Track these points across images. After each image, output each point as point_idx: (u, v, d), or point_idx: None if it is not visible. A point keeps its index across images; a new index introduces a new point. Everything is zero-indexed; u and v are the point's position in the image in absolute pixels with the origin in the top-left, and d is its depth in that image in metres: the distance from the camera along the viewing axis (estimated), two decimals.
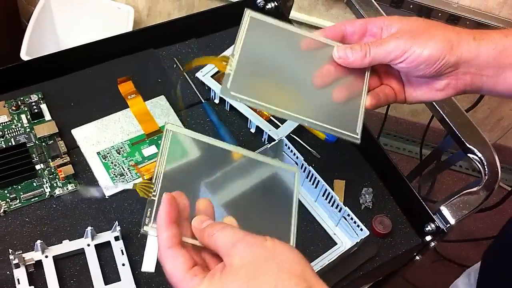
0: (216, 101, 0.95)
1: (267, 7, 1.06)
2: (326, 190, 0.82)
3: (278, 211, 0.72)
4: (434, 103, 0.93)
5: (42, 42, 1.66)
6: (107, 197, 0.83)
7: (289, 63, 0.72)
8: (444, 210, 0.83)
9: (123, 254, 0.78)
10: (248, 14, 0.72)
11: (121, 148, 0.87)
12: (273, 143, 0.85)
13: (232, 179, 0.86)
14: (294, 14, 1.49)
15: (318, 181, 0.83)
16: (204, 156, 0.71)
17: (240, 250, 0.53)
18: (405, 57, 0.67)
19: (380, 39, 0.70)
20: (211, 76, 0.94)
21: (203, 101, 0.95)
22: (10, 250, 0.73)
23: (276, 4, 1.05)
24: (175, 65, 0.98)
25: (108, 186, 0.83)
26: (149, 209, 0.58)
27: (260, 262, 0.52)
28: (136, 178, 0.85)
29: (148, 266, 0.79)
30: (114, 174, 0.85)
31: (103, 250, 0.79)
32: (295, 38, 0.73)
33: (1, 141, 0.85)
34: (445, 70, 0.67)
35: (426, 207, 0.85)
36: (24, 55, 1.56)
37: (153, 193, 0.58)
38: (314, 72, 0.72)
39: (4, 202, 0.80)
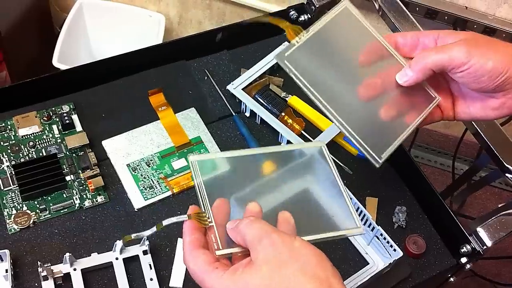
0: (247, 114, 0.94)
1: (300, 19, 1.04)
2: (358, 208, 0.81)
3: (326, 199, 0.71)
4: None
5: (74, 49, 1.67)
6: (136, 210, 0.83)
7: (352, 64, 0.71)
8: (481, 231, 0.80)
9: (151, 268, 0.77)
10: (344, 3, 0.72)
11: (151, 160, 0.87)
12: (304, 158, 0.83)
13: (263, 192, 0.84)
14: None
15: (351, 198, 0.81)
16: (235, 169, 0.69)
17: (265, 245, 0.52)
18: (469, 65, 0.64)
19: (441, 46, 0.67)
20: (242, 89, 0.93)
21: (234, 114, 0.94)
22: (39, 263, 0.73)
23: (310, 16, 1.04)
24: (206, 77, 0.97)
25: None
26: (212, 235, 0.58)
27: (284, 261, 0.51)
28: (165, 191, 0.84)
29: (176, 281, 0.78)
30: (143, 187, 0.84)
31: (131, 264, 0.78)
32: (372, 41, 0.72)
33: (32, 151, 0.85)
34: (506, 85, 0.65)
35: (462, 228, 0.83)
36: (56, 62, 1.57)
37: (209, 220, 0.58)
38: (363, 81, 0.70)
39: (34, 213, 0.80)
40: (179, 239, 0.81)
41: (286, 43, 0.99)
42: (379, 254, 0.82)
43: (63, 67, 1.56)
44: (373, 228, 0.79)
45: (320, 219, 0.68)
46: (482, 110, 0.70)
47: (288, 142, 0.89)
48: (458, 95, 0.72)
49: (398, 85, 0.71)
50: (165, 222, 0.61)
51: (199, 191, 0.62)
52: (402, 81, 0.69)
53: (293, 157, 0.75)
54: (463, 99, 0.72)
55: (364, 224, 0.81)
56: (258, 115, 0.92)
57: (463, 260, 0.83)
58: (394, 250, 0.78)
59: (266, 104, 0.92)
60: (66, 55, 1.59)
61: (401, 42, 0.71)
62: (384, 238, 0.78)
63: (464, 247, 0.82)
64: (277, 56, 0.68)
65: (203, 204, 0.60)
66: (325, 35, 0.70)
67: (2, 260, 0.75)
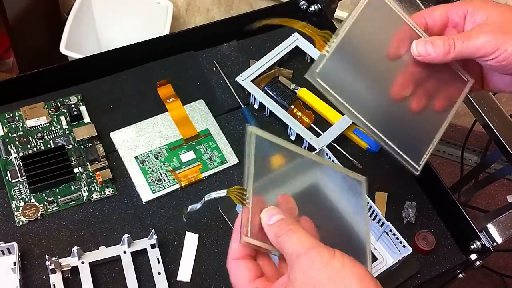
0: (256, 106, 0.93)
1: (310, 9, 1.03)
2: (367, 203, 0.80)
3: (349, 222, 0.68)
4: (478, 108, 0.89)
5: (81, 36, 1.66)
6: (144, 203, 0.82)
7: (384, 60, 0.66)
8: (491, 228, 0.79)
9: (159, 262, 0.77)
10: None
11: (159, 153, 0.86)
12: (314, 152, 0.83)
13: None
14: (336, 12, 1.45)
15: (361, 193, 0.80)
16: (287, 165, 0.67)
17: (303, 265, 0.50)
18: (496, 54, 0.61)
19: (466, 33, 0.63)
20: (251, 81, 0.92)
21: (243, 106, 0.93)
22: (47, 256, 0.73)
23: (320, 6, 1.02)
24: (214, 68, 0.96)
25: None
26: (244, 217, 0.54)
27: (324, 283, 0.49)
28: (174, 184, 0.84)
29: (184, 275, 0.78)
30: (151, 180, 0.84)
31: (139, 257, 0.78)
32: (401, 27, 0.66)
33: (40, 143, 0.84)
34: None
35: (472, 224, 0.82)
36: (64, 49, 1.56)
37: (247, 201, 0.55)
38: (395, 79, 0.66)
39: (42, 205, 0.80)
40: (187, 233, 0.81)
41: (296, 34, 0.97)
42: (388, 250, 0.81)
43: (70, 54, 1.55)
44: (383, 223, 0.79)
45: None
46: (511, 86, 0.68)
47: (298, 135, 0.88)
48: (486, 70, 0.69)
49: (429, 71, 0.67)
50: (207, 197, 0.59)
51: (247, 167, 0.58)
52: (417, 53, 0.64)
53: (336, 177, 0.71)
54: (492, 74, 0.69)
55: (374, 219, 0.80)
56: (267, 108, 0.91)
57: (473, 256, 0.83)
58: (404, 246, 0.77)
59: (275, 96, 0.91)
60: (73, 42, 1.59)
61: (431, 23, 0.66)
62: (394, 234, 0.78)
63: (474, 244, 0.82)
64: (309, 74, 0.63)
65: (247, 181, 0.57)
66: (355, 34, 0.65)
67: (10, 253, 0.75)
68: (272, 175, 0.62)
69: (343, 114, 0.91)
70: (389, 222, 0.78)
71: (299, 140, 0.89)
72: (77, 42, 1.61)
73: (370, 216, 0.81)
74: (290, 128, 0.89)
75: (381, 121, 0.67)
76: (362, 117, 0.66)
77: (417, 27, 0.66)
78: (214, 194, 0.61)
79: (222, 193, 0.58)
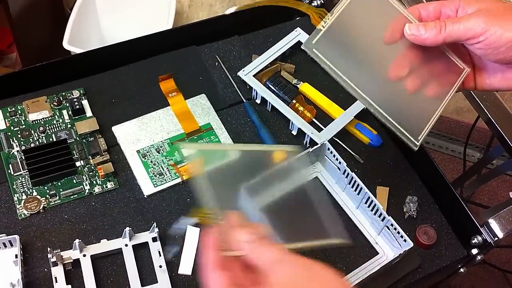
0: (258, 101, 0.93)
1: (313, 4, 1.03)
2: (369, 197, 0.80)
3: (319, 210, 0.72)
4: (480, 104, 0.89)
5: (85, 31, 1.66)
6: (145, 197, 0.83)
7: (378, 42, 0.70)
8: (493, 223, 0.79)
9: (160, 255, 0.77)
10: None
11: (160, 147, 0.86)
12: (315, 147, 0.83)
13: (272, 183, 0.84)
14: None
15: (361, 188, 0.81)
16: (244, 159, 0.70)
17: (283, 268, 0.52)
18: (485, 36, 0.63)
19: (457, 17, 0.66)
20: (253, 75, 0.92)
21: (244, 100, 0.93)
22: (49, 249, 0.73)
23: (322, 1, 1.02)
24: (216, 63, 0.96)
25: None
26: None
27: (303, 282, 0.51)
28: (175, 178, 0.84)
29: (185, 268, 0.78)
30: (153, 174, 0.84)
31: (140, 250, 0.78)
32: (395, 16, 0.70)
33: (43, 136, 0.85)
34: None
35: (473, 219, 0.82)
36: (67, 44, 1.56)
37: (219, 218, 0.57)
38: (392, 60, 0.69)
39: (44, 198, 0.80)
40: (189, 227, 0.81)
41: (298, 29, 0.97)
42: (389, 245, 0.81)
43: (73, 49, 1.55)
44: (384, 218, 0.79)
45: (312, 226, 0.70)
46: (503, 81, 0.69)
47: (299, 130, 0.89)
48: (479, 65, 0.71)
49: (425, 58, 0.69)
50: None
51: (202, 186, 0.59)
52: (410, 33, 0.67)
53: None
54: (484, 69, 0.71)
55: (375, 214, 0.80)
56: (269, 102, 0.91)
57: (474, 251, 0.83)
58: (405, 240, 0.77)
59: (277, 91, 0.92)
60: (76, 37, 1.58)
61: (424, 14, 0.69)
62: (395, 229, 0.78)
63: (475, 238, 0.82)
64: (305, 45, 0.68)
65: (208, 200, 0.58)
66: (350, 15, 0.69)
67: (12, 246, 0.75)
68: (226, 169, 0.66)
69: (344, 109, 0.91)
70: (390, 217, 0.78)
71: (300, 134, 0.89)
72: (80, 37, 1.61)
73: (372, 210, 0.81)
74: (292, 122, 0.89)
75: (378, 96, 0.70)
76: (360, 90, 0.69)
77: (411, 15, 0.69)
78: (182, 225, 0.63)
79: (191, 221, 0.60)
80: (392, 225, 0.78)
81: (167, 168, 0.85)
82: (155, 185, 0.83)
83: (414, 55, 0.69)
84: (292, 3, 0.81)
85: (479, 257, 0.83)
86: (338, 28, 0.69)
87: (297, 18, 1.03)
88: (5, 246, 0.75)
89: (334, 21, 0.68)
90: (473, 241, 0.82)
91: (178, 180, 0.84)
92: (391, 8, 0.70)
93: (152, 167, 0.84)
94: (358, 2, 0.70)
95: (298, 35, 0.97)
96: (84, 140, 0.85)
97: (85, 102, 0.88)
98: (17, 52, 1.67)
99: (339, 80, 0.69)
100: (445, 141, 1.97)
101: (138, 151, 0.85)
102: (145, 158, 0.85)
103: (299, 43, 0.97)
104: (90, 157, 0.84)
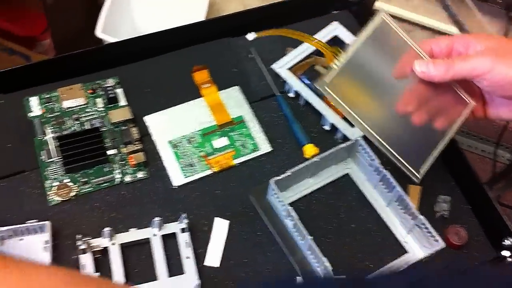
0: (291, 94, 0.92)
1: None
2: (400, 196, 0.79)
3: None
4: None
5: (117, 20, 1.67)
6: (175, 187, 0.83)
7: (388, 77, 0.74)
8: None
9: (188, 246, 0.77)
10: (381, 16, 0.75)
11: (192, 138, 0.86)
12: (348, 143, 0.82)
13: (301, 178, 0.84)
14: (377, 4, 1.43)
15: (394, 186, 0.80)
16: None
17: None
18: (491, 75, 0.66)
19: (465, 55, 0.70)
20: (287, 69, 0.92)
21: (277, 94, 0.92)
22: (78, 236, 0.74)
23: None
24: (250, 55, 0.96)
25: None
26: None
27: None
28: (205, 170, 0.84)
29: (212, 260, 0.78)
30: (183, 164, 0.84)
31: (169, 241, 0.78)
32: (407, 51, 0.75)
33: (76, 124, 0.85)
34: None
35: (505, 221, 0.80)
36: (100, 32, 1.57)
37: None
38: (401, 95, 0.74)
39: (76, 186, 0.80)
40: (216, 219, 0.81)
41: (335, 22, 0.97)
42: (418, 244, 0.80)
43: (106, 37, 1.56)
44: (415, 217, 0.78)
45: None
46: (510, 112, 0.74)
47: (332, 125, 0.88)
48: (487, 98, 0.75)
49: (433, 92, 0.73)
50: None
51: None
52: (420, 71, 0.71)
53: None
54: (492, 101, 0.75)
55: (406, 212, 0.79)
56: (302, 96, 0.90)
57: (504, 253, 0.82)
58: (436, 240, 0.76)
59: (311, 85, 0.91)
60: (109, 26, 1.59)
61: (436, 50, 0.73)
62: (426, 228, 0.77)
63: (506, 240, 0.80)
64: (319, 84, 0.71)
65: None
66: (364, 52, 0.73)
67: (42, 231, 0.76)
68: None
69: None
70: (422, 216, 0.77)
71: (333, 130, 0.88)
72: (113, 26, 1.61)
73: (403, 209, 0.80)
74: (325, 117, 0.88)
75: (384, 130, 0.74)
76: (366, 125, 0.73)
77: (422, 51, 0.74)
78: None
79: None
80: (423, 224, 0.77)
81: (198, 159, 0.85)
82: (185, 176, 0.83)
83: (423, 89, 0.73)
84: (300, 35, 0.87)
85: (510, 259, 0.81)
86: (351, 66, 0.73)
87: (334, 12, 1.02)
88: (36, 232, 0.76)
89: (348, 60, 0.72)
90: (505, 243, 0.80)
91: (209, 172, 0.84)
92: (403, 43, 0.75)
93: (183, 158, 0.84)
94: (372, 40, 0.74)
95: (334, 29, 0.96)
96: (117, 129, 0.85)
97: (119, 91, 0.89)
98: (51, 38, 1.69)
99: (347, 115, 0.73)
100: (475, 141, 1.94)
101: (169, 142, 0.86)
102: (176, 149, 0.85)
103: (335, 37, 0.96)
104: (122, 146, 0.84)
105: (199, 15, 1.66)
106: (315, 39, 0.92)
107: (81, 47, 0.90)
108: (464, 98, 0.76)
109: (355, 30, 0.97)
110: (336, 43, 0.96)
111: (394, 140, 0.74)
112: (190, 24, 0.96)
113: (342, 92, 0.72)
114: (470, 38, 0.71)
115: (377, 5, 1.08)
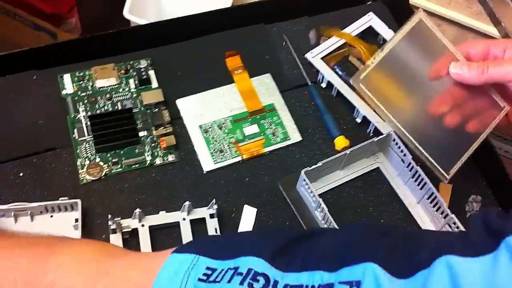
0: (323, 85, 0.92)
1: None
2: (432, 193, 0.78)
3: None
4: None
5: (145, 1, 1.66)
6: (205, 173, 0.82)
7: (423, 78, 0.74)
8: None
9: (216, 232, 0.77)
10: (419, 16, 0.75)
11: (223, 124, 0.86)
12: (380, 137, 0.81)
13: (332, 170, 0.83)
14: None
15: (425, 183, 0.79)
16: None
17: None
18: None
19: (500, 60, 0.70)
20: (321, 58, 0.91)
21: (310, 83, 0.92)
22: (109, 216, 0.74)
23: None
24: (284, 43, 0.95)
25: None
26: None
27: None
28: (235, 156, 0.83)
29: None
30: (213, 150, 0.83)
31: (197, 225, 0.78)
32: (443, 52, 0.74)
33: (109, 103, 0.85)
34: None
35: None
36: (127, 13, 1.56)
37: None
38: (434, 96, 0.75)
39: (106, 165, 0.80)
40: (245, 206, 0.80)
41: (370, 13, 0.95)
42: None
43: (133, 18, 1.55)
44: (446, 215, 0.77)
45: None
46: None
47: (364, 118, 0.87)
48: None
49: (467, 95, 0.73)
50: None
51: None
52: (454, 72, 0.72)
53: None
54: None
55: (437, 210, 0.79)
56: (335, 87, 0.89)
57: None
58: None
59: (344, 76, 0.90)
60: (136, 7, 1.58)
61: (473, 53, 0.73)
62: (457, 227, 0.76)
63: None
64: (353, 79, 0.73)
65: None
66: (399, 51, 0.74)
67: (72, 209, 0.76)
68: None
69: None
70: (453, 215, 0.76)
71: (365, 123, 0.87)
72: (140, 8, 1.60)
73: (434, 206, 0.79)
74: (357, 110, 0.87)
75: (415, 129, 0.75)
76: (397, 122, 0.74)
77: (458, 53, 0.73)
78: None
79: None
80: (454, 223, 0.76)
81: (228, 145, 0.84)
82: (215, 162, 0.83)
83: (457, 91, 0.73)
84: (339, 34, 0.87)
85: None
86: (386, 63, 0.73)
87: (369, 3, 1.01)
88: (66, 210, 0.76)
89: (383, 57, 0.73)
90: None
91: (238, 159, 0.84)
92: (440, 45, 0.74)
93: (213, 143, 0.84)
94: (408, 39, 0.74)
95: (370, 19, 0.95)
96: (148, 111, 0.85)
97: (151, 73, 0.88)
98: (78, 17, 1.68)
99: (380, 112, 0.74)
100: (506, 144, 1.92)
101: (200, 126, 0.85)
102: (207, 134, 0.85)
103: (370, 28, 0.95)
104: (153, 128, 0.84)
105: (225, 2, 1.64)
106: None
107: (107, 27, 0.89)
108: (499, 102, 0.76)
109: (388, 21, 0.96)
110: (370, 34, 0.95)
111: (424, 139, 0.75)
112: (223, 8, 0.96)
113: (375, 88, 0.73)
114: (508, 42, 0.71)
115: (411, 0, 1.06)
